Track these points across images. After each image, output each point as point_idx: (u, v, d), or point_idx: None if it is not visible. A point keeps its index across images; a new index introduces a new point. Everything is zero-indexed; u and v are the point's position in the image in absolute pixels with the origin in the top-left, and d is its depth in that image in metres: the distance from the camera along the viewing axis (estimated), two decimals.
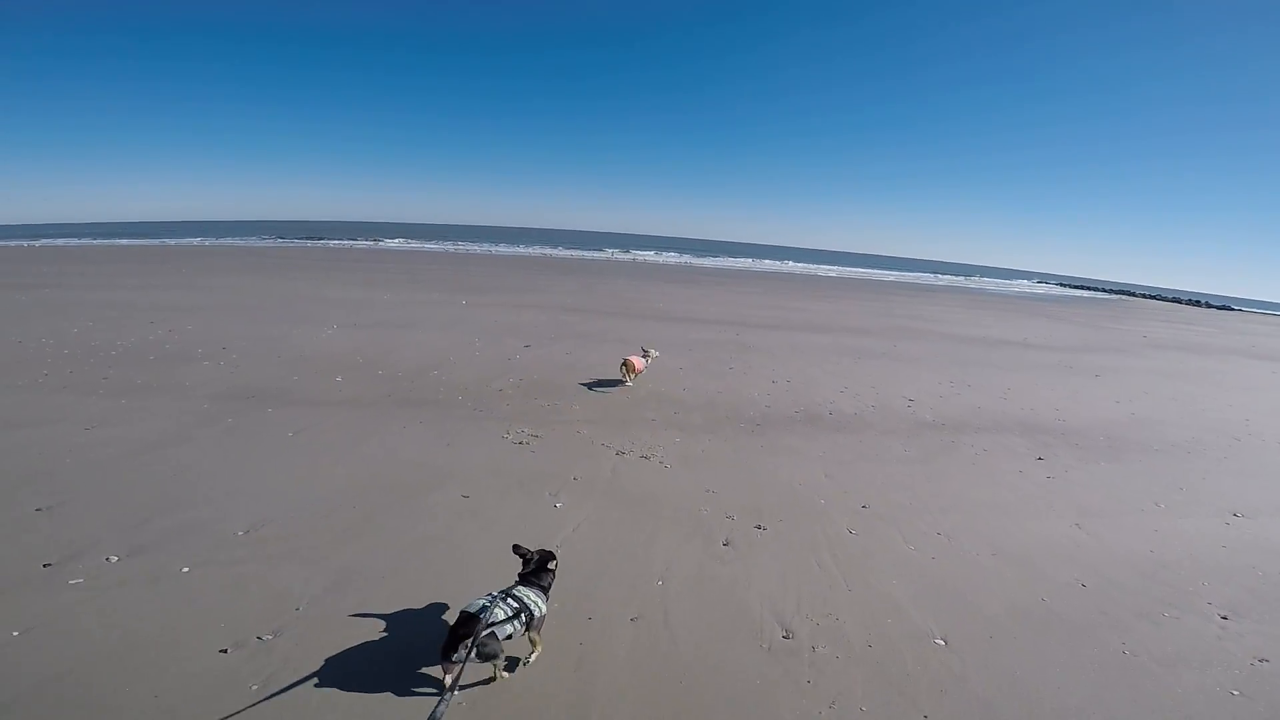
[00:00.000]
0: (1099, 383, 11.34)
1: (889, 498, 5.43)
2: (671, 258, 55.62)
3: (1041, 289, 70.25)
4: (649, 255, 55.85)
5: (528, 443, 6.21)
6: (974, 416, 8.28)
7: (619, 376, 8.78)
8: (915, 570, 4.25)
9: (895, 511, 5.16)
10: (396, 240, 53.41)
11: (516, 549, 3.39)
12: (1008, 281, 77.79)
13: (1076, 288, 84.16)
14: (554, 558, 3.45)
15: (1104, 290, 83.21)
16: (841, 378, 9.98)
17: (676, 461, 5.95)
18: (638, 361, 8.94)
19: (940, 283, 57.30)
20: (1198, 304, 68.40)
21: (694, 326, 14.12)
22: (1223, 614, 3.96)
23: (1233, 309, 68.58)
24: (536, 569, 3.32)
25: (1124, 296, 70.75)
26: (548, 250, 51.77)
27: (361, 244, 46.07)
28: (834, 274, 53.05)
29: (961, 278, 74.06)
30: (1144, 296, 75.61)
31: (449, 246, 48.74)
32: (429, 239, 58.82)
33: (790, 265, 59.97)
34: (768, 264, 59.65)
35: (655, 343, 11.51)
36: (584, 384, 8.50)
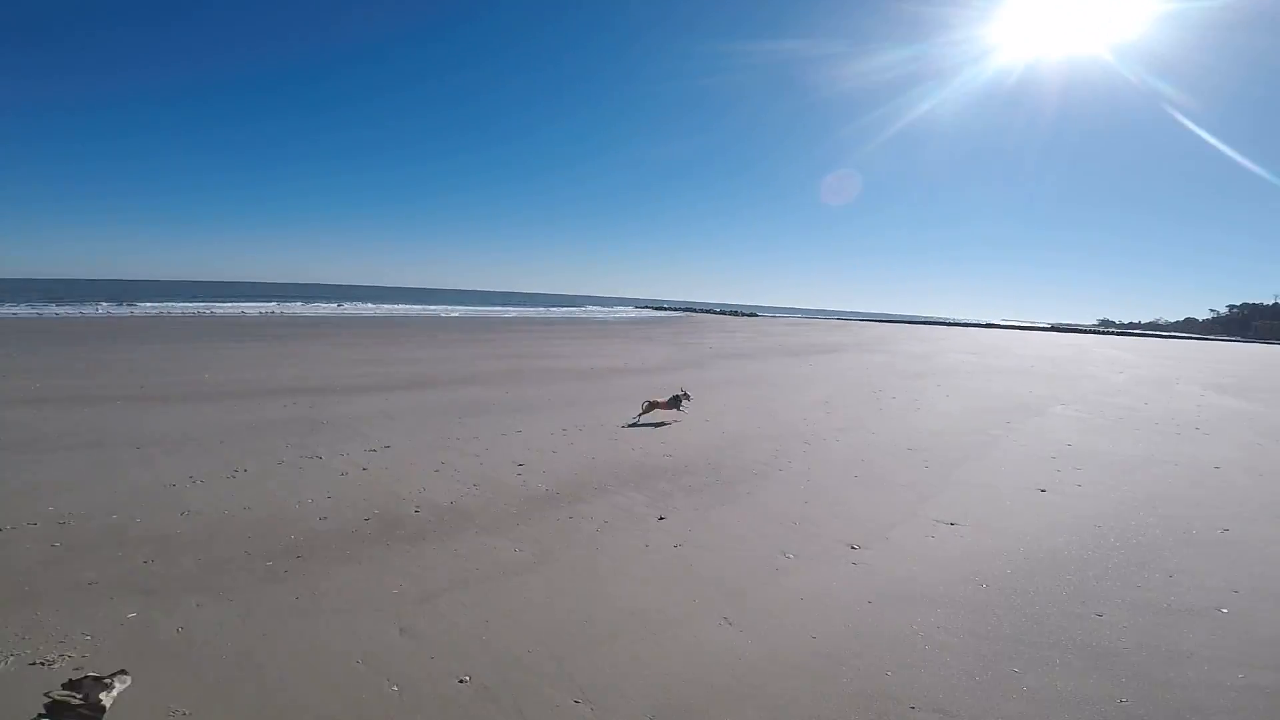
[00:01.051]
0: (690, 403, 11.84)
1: (501, 648, 3.63)
2: (265, 308, 46.37)
3: (635, 313, 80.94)
4: (229, 307, 45.25)
5: None
6: (590, 472, 7.24)
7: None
8: None
9: (512, 675, 3.36)
10: None
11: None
12: (610, 309, 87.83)
13: (658, 309, 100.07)
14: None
15: (674, 309, 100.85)
16: (442, 448, 8.07)
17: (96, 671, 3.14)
18: (661, 399, 10.26)
19: (556, 314, 61.05)
20: (735, 314, 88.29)
21: (248, 403, 10.53)
22: None
23: (757, 315, 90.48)
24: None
25: (688, 313, 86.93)
26: (33, 309, 37.38)
27: None
28: (457, 314, 51.70)
29: (575, 308, 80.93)
30: (701, 311, 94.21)
31: None
32: None
33: (406, 308, 56.46)
34: (380, 308, 55.03)
35: (189, 437, 7.88)
36: None
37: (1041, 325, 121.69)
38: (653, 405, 10.19)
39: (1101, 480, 7.37)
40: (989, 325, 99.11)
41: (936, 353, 28.15)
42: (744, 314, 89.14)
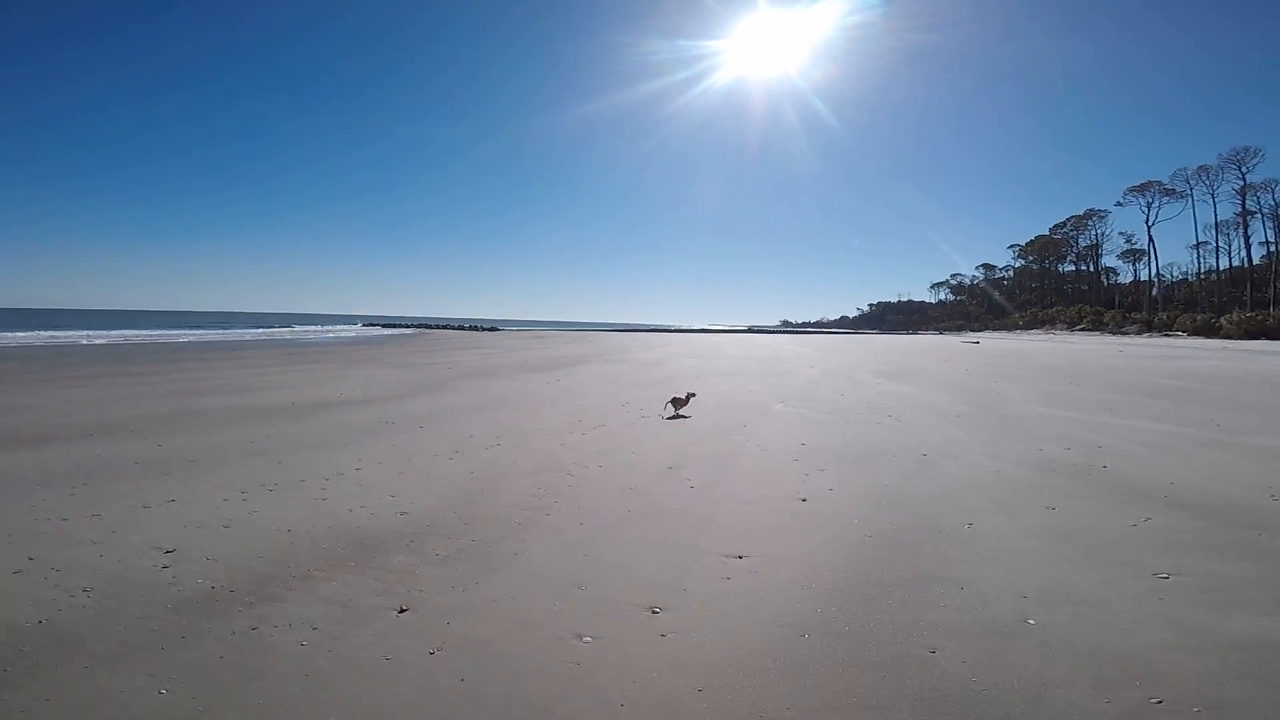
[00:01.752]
0: (427, 437, 10.00)
1: None
2: None
3: (360, 331, 73.10)
4: None
5: None
6: (287, 551, 5.13)
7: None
8: None
9: None
10: None
11: None
12: (328, 328, 77.96)
13: (388, 326, 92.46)
14: None
15: (407, 325, 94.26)
16: (33, 536, 5.16)
17: None
18: (680, 395, 12.57)
19: (251, 337, 51.73)
20: (476, 328, 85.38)
21: None
22: None
23: (500, 329, 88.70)
24: None
25: (422, 330, 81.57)
26: None
27: None
28: (103, 341, 40.45)
29: (283, 329, 69.72)
30: (438, 327, 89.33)
31: None
32: None
33: (27, 335, 42.42)
34: None
35: None
36: None
37: (741, 328, 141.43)
38: (676, 401, 12.32)
39: (846, 480, 7.50)
40: (702, 330, 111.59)
41: (667, 359, 29.78)
42: (485, 328, 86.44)
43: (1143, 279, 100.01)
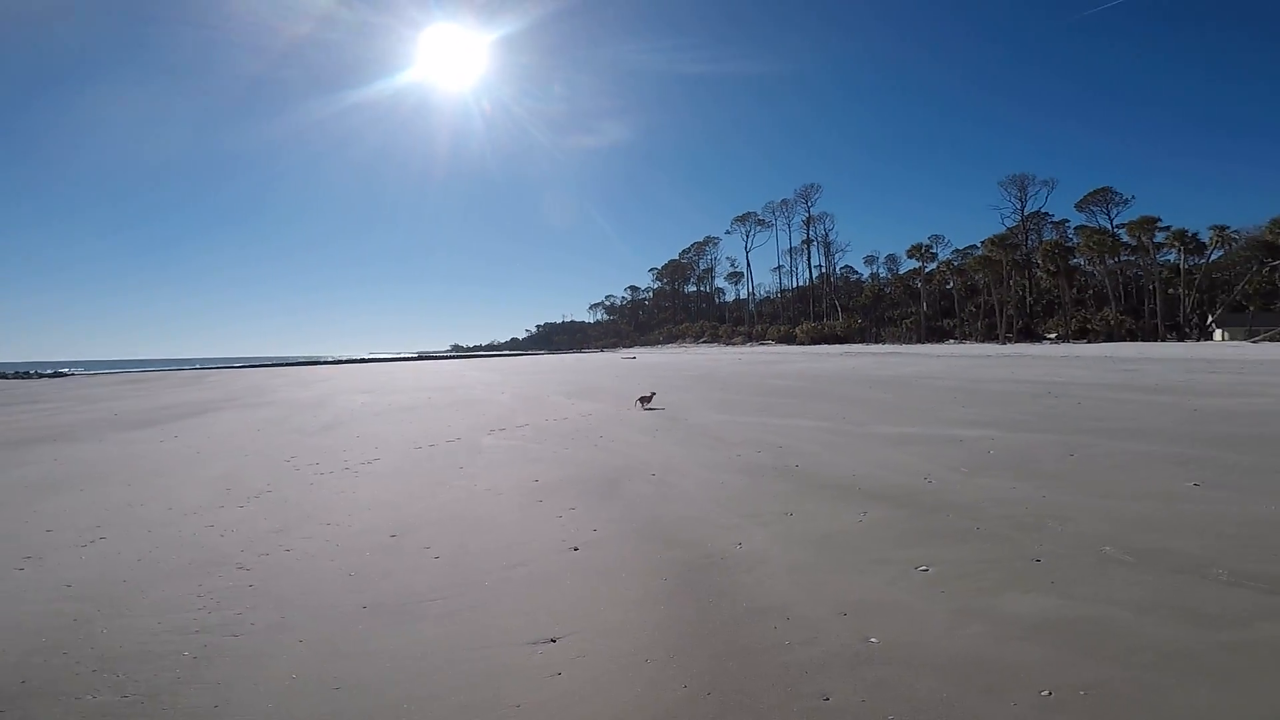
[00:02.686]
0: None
1: None
2: None
3: None
4: None
5: None
6: None
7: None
8: None
9: None
10: None
11: None
12: None
13: None
14: None
15: None
16: None
17: None
18: (646, 394, 15.48)
19: None
20: (29, 375, 62.36)
21: None
22: None
23: (68, 373, 66.39)
24: None
25: None
26: None
27: None
28: None
29: None
30: None
31: None
32: None
33: None
34: None
35: None
36: None
37: (410, 355, 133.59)
38: (644, 400, 15.26)
39: (601, 518, 6.81)
40: (364, 360, 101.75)
41: (328, 396, 25.67)
42: (44, 375, 63.80)
43: (743, 297, 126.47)
